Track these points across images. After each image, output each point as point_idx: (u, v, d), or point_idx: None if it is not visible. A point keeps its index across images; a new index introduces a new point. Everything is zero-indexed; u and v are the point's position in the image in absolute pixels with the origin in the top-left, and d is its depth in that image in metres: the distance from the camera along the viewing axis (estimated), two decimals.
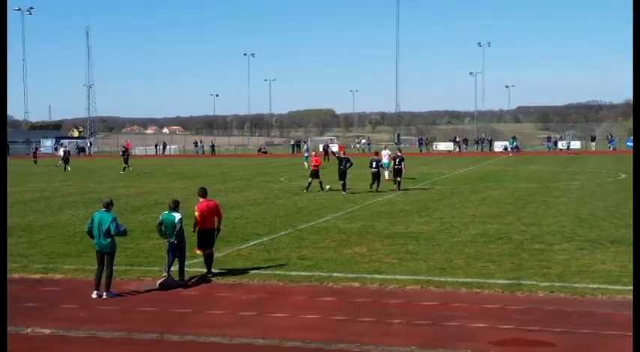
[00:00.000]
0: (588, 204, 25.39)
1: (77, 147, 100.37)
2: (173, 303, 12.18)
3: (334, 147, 70.47)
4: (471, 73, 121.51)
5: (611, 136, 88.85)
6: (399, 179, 32.08)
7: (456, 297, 12.22)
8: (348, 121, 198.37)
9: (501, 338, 9.93)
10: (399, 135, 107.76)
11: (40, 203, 28.99)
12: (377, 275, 13.88)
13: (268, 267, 14.86)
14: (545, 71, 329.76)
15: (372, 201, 27.70)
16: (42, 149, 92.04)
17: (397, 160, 32.43)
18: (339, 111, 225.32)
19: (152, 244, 17.52)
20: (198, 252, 14.34)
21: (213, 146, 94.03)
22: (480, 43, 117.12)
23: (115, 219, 12.78)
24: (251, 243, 17.96)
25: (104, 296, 12.58)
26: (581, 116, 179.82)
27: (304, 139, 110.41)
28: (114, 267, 12.97)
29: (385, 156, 36.26)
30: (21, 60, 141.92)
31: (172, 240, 13.47)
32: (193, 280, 13.81)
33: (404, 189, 31.68)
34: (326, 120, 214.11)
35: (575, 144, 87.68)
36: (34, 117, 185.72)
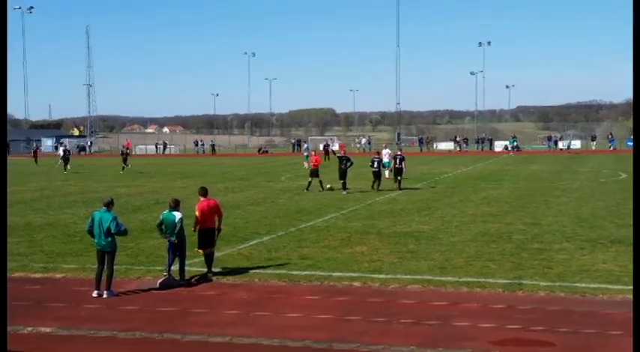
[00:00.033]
0: (589, 204, 25.38)
1: (77, 146, 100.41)
2: (173, 302, 12.18)
3: (335, 147, 70.48)
4: (471, 73, 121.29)
5: (612, 136, 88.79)
6: (399, 178, 32.10)
7: (457, 297, 12.22)
8: (348, 121, 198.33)
9: (502, 337, 9.93)
10: (399, 135, 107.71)
11: (41, 202, 28.99)
12: (378, 275, 13.88)
13: (269, 267, 14.86)
14: (545, 71, 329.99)
15: (373, 200, 27.70)
16: (42, 148, 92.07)
17: (398, 159, 32.44)
18: (339, 110, 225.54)
19: (152, 243, 17.52)
20: (199, 251, 14.33)
21: (213, 145, 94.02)
22: (480, 43, 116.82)
23: (115, 219, 12.79)
24: (252, 243, 17.96)
25: (104, 296, 12.58)
26: (582, 115, 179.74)
27: (305, 139, 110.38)
28: (114, 267, 12.98)
29: (386, 155, 36.27)
30: (21, 59, 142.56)
31: (173, 240, 13.48)
32: (194, 279, 13.82)
33: (404, 189, 31.68)
34: (326, 120, 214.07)
35: (576, 144, 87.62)
36: (35, 116, 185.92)
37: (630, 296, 11.49)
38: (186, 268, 13.82)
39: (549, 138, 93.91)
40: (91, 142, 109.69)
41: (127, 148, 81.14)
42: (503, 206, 25.15)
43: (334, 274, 14.03)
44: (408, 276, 13.72)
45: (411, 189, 32.30)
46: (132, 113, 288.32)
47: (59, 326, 10.82)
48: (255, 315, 11.28)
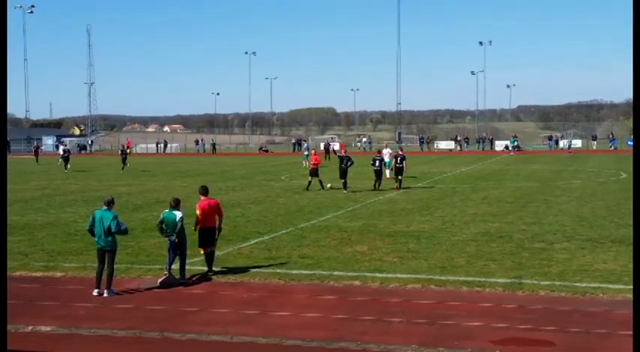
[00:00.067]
0: (589, 203, 25.38)
1: (78, 145, 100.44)
2: (174, 301, 12.18)
3: (335, 146, 70.48)
4: (472, 72, 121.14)
5: (613, 135, 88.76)
6: (400, 178, 32.09)
7: (457, 296, 12.23)
8: (349, 120, 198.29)
9: (502, 337, 9.93)
10: (399, 134, 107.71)
11: (41, 201, 29.01)
12: (378, 274, 13.89)
13: (269, 266, 14.87)
14: (546, 70, 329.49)
15: (373, 199, 27.70)
16: (43, 147, 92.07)
17: (399, 159, 32.44)
18: (340, 109, 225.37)
19: (153, 242, 17.53)
20: (201, 251, 14.32)
21: (214, 144, 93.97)
22: (481, 42, 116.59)
23: (116, 217, 12.79)
24: (252, 242, 17.97)
25: (105, 295, 12.59)
26: (582, 115, 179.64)
27: (305, 138, 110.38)
28: (115, 265, 12.99)
29: (386, 154, 36.24)
30: (22, 58, 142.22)
31: (173, 239, 13.48)
32: (194, 278, 13.83)
33: (405, 188, 31.68)
34: (327, 119, 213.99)
35: (577, 143, 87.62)
36: (35, 115, 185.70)
37: (631, 296, 11.49)
38: (187, 267, 13.83)
39: (550, 138, 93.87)
40: (91, 141, 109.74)
41: (128, 147, 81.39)
42: (504, 205, 25.15)
43: (334, 273, 14.03)
44: (409, 276, 13.72)
45: (412, 188, 32.30)
46: (133, 112, 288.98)
47: (59, 324, 10.83)
48: (255, 314, 11.29)
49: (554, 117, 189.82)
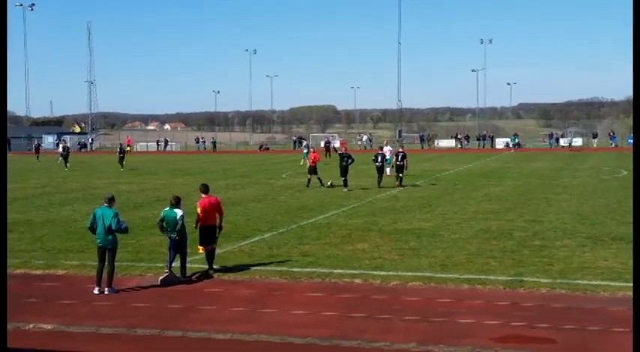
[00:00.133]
0: (590, 201, 25.38)
1: (79, 143, 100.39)
2: (175, 299, 12.19)
3: (336, 144, 70.45)
4: (472, 70, 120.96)
5: (613, 133, 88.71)
6: (401, 175, 32.10)
7: (458, 294, 12.23)
8: (349, 118, 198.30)
9: (502, 334, 9.94)
10: (400, 132, 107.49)
11: (42, 199, 29.01)
12: (379, 272, 13.89)
13: (270, 264, 14.87)
14: (546, 68, 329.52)
15: (374, 197, 27.70)
16: (44, 145, 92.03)
17: (400, 156, 32.44)
18: (340, 107, 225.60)
19: (154, 240, 17.53)
20: (200, 250, 14.29)
21: (214, 142, 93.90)
22: (481, 40, 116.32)
23: (116, 215, 12.80)
24: (253, 240, 17.97)
25: (106, 292, 12.60)
26: (583, 113, 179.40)
27: (306, 136, 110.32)
28: (115, 263, 12.99)
29: (387, 152, 36.25)
30: (23, 56, 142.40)
31: (174, 237, 13.49)
32: (195, 276, 13.83)
33: (406, 186, 31.68)
34: (327, 117, 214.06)
35: (577, 141, 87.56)
36: (36, 113, 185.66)
37: (631, 293, 11.50)
38: (188, 265, 13.84)
39: (550, 136, 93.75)
40: (92, 139, 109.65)
41: (128, 145, 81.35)
42: (505, 203, 25.15)
43: (335, 271, 14.04)
44: (409, 273, 13.73)
45: (412, 186, 32.30)
46: (133, 110, 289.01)
47: (60, 322, 10.84)
48: (256, 312, 11.29)
49: (554, 115, 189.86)
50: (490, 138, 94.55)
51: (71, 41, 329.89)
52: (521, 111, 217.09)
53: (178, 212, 13.52)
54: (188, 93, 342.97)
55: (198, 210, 14.28)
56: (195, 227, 14.38)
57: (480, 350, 9.28)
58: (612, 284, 12.62)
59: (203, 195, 14.53)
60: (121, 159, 49.88)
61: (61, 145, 60.71)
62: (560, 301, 11.63)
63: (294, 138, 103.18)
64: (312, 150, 36.95)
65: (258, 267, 14.50)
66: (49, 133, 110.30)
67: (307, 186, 31.73)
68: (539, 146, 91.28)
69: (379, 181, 31.85)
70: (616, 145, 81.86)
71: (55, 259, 15.72)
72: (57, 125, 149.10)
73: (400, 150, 33.44)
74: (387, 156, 35.46)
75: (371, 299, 12.02)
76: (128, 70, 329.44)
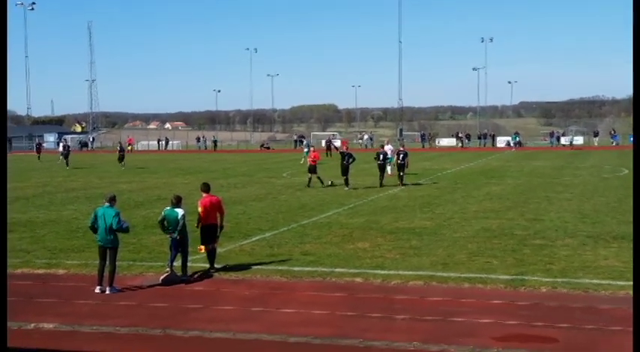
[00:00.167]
0: (591, 200, 25.37)
1: (80, 143, 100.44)
2: (176, 299, 12.19)
3: (337, 143, 70.44)
4: (473, 69, 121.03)
5: (614, 132, 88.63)
6: (402, 174, 32.11)
7: (459, 293, 12.23)
8: (350, 117, 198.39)
9: (504, 333, 9.94)
10: (401, 131, 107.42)
11: (43, 198, 29.02)
12: (380, 271, 13.89)
13: (271, 263, 14.87)
14: (547, 66, 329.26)
15: (375, 196, 27.70)
16: (45, 144, 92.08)
17: (401, 156, 32.44)
18: (341, 106, 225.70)
19: (155, 240, 17.53)
20: (202, 250, 14.28)
21: (215, 141, 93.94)
22: (482, 39, 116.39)
23: (118, 214, 12.80)
24: (254, 239, 17.97)
25: (107, 292, 12.60)
26: (584, 111, 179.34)
27: (307, 135, 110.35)
28: (117, 263, 12.99)
29: (388, 151, 36.24)
30: (23, 55, 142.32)
31: (175, 236, 13.49)
32: (196, 275, 13.83)
33: (407, 184, 31.68)
34: (328, 116, 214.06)
35: (578, 140, 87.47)
36: (37, 113, 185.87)
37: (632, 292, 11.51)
38: (189, 264, 13.84)
39: (551, 134, 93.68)
40: (93, 138, 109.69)
41: (129, 144, 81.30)
42: (506, 202, 25.14)
43: (336, 270, 14.04)
44: (410, 272, 13.72)
45: (413, 185, 32.30)
46: (134, 109, 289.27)
47: (62, 322, 10.84)
48: (257, 311, 11.30)
49: (555, 114, 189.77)
50: (491, 136, 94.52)
51: (72, 40, 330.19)
52: (522, 109, 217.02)
53: (179, 211, 13.52)
54: (189, 92, 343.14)
55: (200, 209, 14.28)
56: (197, 226, 14.38)
57: (482, 350, 9.28)
58: (613, 283, 12.62)
59: (204, 194, 14.53)
60: (121, 158, 49.89)
61: (61, 144, 60.66)
62: (561, 300, 11.63)
63: (295, 137, 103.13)
64: (312, 149, 36.95)
65: (259, 266, 14.51)
66: (49, 132, 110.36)
67: (308, 185, 31.73)
68: (540, 145, 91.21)
69: (381, 180, 31.88)
70: (617, 144, 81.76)
71: (57, 258, 15.73)
72: (58, 124, 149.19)
73: (401, 149, 33.45)
74: (389, 155, 35.47)
75: (372, 298, 12.02)
76: (129, 69, 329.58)
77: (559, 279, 12.94)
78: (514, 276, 13.22)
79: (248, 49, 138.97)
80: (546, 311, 10.96)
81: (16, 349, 9.13)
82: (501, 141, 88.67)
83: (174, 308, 11.61)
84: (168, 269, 13.50)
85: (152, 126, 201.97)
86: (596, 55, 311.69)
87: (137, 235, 18.04)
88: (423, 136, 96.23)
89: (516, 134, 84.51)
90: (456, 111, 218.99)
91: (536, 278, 13.08)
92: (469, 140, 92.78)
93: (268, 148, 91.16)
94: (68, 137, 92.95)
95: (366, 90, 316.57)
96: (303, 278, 13.54)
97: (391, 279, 13.24)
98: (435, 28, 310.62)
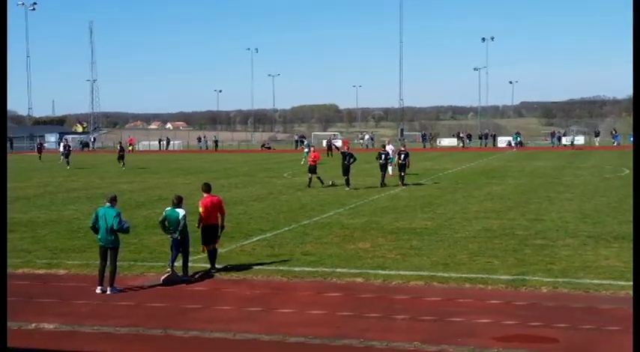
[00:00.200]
0: (592, 200, 25.36)
1: (81, 143, 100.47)
2: (177, 299, 12.20)
3: (338, 143, 70.45)
4: (474, 69, 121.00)
5: (615, 132, 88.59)
6: (403, 174, 32.11)
7: (460, 293, 12.23)
8: (351, 117, 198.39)
9: (505, 333, 9.93)
10: (402, 131, 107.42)
11: (44, 198, 29.04)
12: (380, 271, 13.88)
13: (272, 263, 14.88)
14: (548, 66, 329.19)
15: (376, 196, 27.70)
16: (46, 144, 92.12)
17: (402, 156, 32.45)
18: (342, 106, 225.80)
19: (156, 240, 17.54)
20: (203, 250, 14.27)
21: (216, 141, 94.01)
22: (483, 39, 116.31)
23: (119, 215, 12.81)
24: (254, 239, 17.97)
25: (108, 292, 12.61)
26: (585, 111, 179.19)
27: (308, 135, 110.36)
28: (117, 263, 13.00)
29: (389, 151, 36.26)
30: (25, 55, 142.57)
31: (176, 236, 13.49)
32: (197, 276, 13.83)
33: (407, 184, 31.68)
34: (329, 116, 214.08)
35: (579, 140, 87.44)
36: (38, 113, 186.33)
37: None
38: (190, 264, 13.84)
39: (552, 134, 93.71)
40: (94, 138, 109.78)
41: (130, 144, 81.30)
42: (507, 202, 25.14)
43: (337, 270, 14.03)
44: (411, 272, 13.72)
45: (414, 185, 32.29)
46: (135, 109, 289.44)
47: (62, 322, 10.84)
48: (258, 311, 11.30)
49: (556, 114, 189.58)
50: (492, 136, 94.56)
51: (73, 40, 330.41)
52: (524, 109, 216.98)
53: (181, 212, 13.52)
54: (190, 92, 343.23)
55: (201, 209, 14.28)
56: (198, 226, 14.38)
57: (482, 350, 9.28)
58: (614, 283, 12.61)
59: (205, 195, 14.53)
60: (121, 158, 49.89)
61: (62, 144, 60.70)
62: (562, 300, 11.62)
63: (296, 137, 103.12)
64: (312, 149, 36.95)
65: (260, 267, 14.51)
66: (51, 133, 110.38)
67: (309, 185, 31.74)
68: (542, 145, 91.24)
69: (382, 179, 31.90)
70: (618, 144, 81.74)
71: (57, 258, 15.74)
72: (59, 124, 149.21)
73: (402, 149, 33.46)
74: (390, 155, 35.50)
75: (372, 298, 12.01)
76: (130, 69, 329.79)
77: (560, 279, 12.93)
78: (515, 276, 13.22)
79: (249, 49, 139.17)
80: (547, 312, 10.96)
81: (16, 349, 9.13)
82: (502, 141, 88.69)
83: (174, 308, 11.62)
84: (169, 269, 13.50)
85: (153, 126, 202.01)
86: (597, 54, 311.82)
87: (138, 235, 18.05)
88: (424, 136, 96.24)
89: (517, 134, 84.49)
90: (457, 111, 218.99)
91: (537, 278, 13.07)
92: (470, 140, 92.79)
93: (269, 148, 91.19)
94: (69, 137, 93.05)
95: (367, 90, 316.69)
96: (304, 278, 13.54)
97: (392, 279, 13.24)
98: (435, 27, 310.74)
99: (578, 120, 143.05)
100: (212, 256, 14.29)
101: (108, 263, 12.79)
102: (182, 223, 13.46)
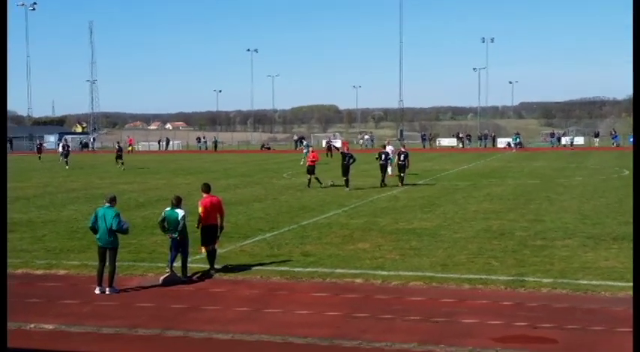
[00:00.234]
0: (591, 201, 25.36)
1: (80, 143, 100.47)
2: (176, 299, 12.20)
3: (337, 143, 70.46)
4: (474, 69, 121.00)
5: (615, 132, 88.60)
6: (402, 174, 32.13)
7: (459, 294, 12.23)
8: (351, 117, 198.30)
9: (504, 334, 9.93)
10: (401, 131, 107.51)
11: (44, 198, 29.04)
12: (380, 272, 13.89)
13: (271, 263, 14.88)
14: (548, 67, 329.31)
15: (376, 197, 27.71)
16: (46, 145, 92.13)
17: (401, 156, 32.47)
18: (342, 107, 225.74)
19: (155, 240, 17.54)
20: (202, 251, 14.27)
21: (216, 142, 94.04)
22: (483, 39, 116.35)
23: (118, 215, 12.81)
24: (254, 239, 17.97)
25: (107, 292, 12.61)
26: (585, 112, 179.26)
27: (307, 135, 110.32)
28: (117, 263, 13.00)
29: (389, 151, 36.27)
30: (25, 55, 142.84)
31: (175, 236, 13.49)
32: (196, 276, 13.84)
33: (407, 185, 31.69)
34: (329, 116, 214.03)
35: (579, 140, 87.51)
36: (38, 113, 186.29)
37: (632, 293, 11.50)
38: (189, 265, 13.84)
39: (552, 135, 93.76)
40: (93, 139, 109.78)
41: (130, 144, 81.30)
42: (506, 203, 25.14)
43: (337, 271, 14.04)
44: (411, 273, 13.72)
45: (414, 185, 32.30)
46: (135, 109, 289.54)
47: (62, 322, 10.84)
48: (257, 312, 11.30)
49: (556, 114, 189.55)
50: (492, 137, 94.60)
51: (73, 41, 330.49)
52: (523, 110, 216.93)
53: (180, 212, 13.52)
54: (190, 92, 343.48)
55: (200, 209, 14.28)
56: (198, 227, 14.38)
57: (481, 350, 9.28)
58: (613, 284, 12.61)
59: (204, 195, 14.53)
60: (119, 157, 49.91)
61: (60, 144, 60.70)
62: (561, 301, 11.63)
63: (296, 137, 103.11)
64: (310, 149, 36.94)
65: (260, 267, 14.51)
66: (50, 133, 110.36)
67: (308, 185, 31.75)
68: (541, 145, 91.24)
69: (382, 179, 31.92)
70: (618, 144, 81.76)
71: (57, 259, 15.73)
72: (59, 125, 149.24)
73: (402, 149, 33.49)
74: (390, 156, 35.51)
75: (372, 299, 12.02)
76: (130, 70, 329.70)
77: (559, 280, 12.93)
78: (514, 277, 13.22)
79: (249, 49, 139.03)
80: (546, 312, 10.96)
81: (15, 349, 9.13)
82: (502, 142, 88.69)
83: (174, 308, 11.62)
84: (168, 269, 13.50)
85: (153, 126, 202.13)
86: (597, 55, 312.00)
87: (137, 236, 18.05)
88: (423, 137, 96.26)
89: (517, 135, 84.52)
90: (457, 112, 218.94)
91: (536, 279, 13.07)
92: (470, 141, 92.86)
93: (269, 149, 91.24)
94: (69, 137, 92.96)
95: (366, 91, 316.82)
96: (304, 278, 13.54)
97: (391, 280, 13.24)
98: (435, 28, 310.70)
99: (577, 121, 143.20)
100: (211, 256, 14.29)
101: (107, 263, 12.79)
102: (182, 224, 13.45)
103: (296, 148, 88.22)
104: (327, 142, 68.31)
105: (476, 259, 14.96)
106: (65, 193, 31.33)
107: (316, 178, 31.93)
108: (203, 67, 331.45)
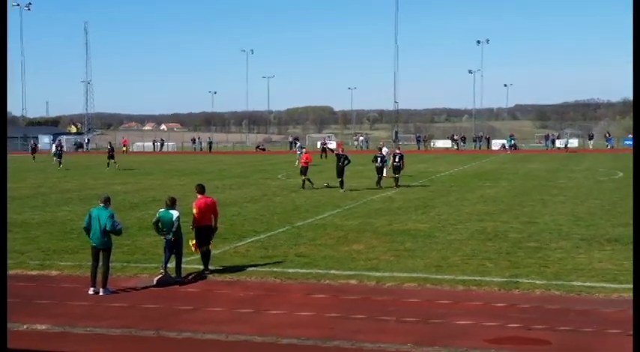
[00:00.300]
0: (585, 203, 25.42)
1: (75, 144, 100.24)
2: (170, 300, 12.18)
3: (332, 144, 70.47)
4: (469, 71, 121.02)
5: (609, 135, 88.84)
6: (397, 176, 32.16)
7: (453, 295, 12.24)
8: (346, 118, 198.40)
9: (497, 335, 9.94)
10: (396, 133, 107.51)
11: (37, 199, 28.97)
12: (374, 273, 13.89)
13: (265, 264, 14.87)
14: (543, 69, 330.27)
15: (370, 198, 27.71)
16: (40, 145, 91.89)
17: (396, 157, 32.50)
18: (337, 108, 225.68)
19: (149, 241, 17.51)
20: (193, 249, 14.25)
21: (210, 143, 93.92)
22: (478, 41, 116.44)
23: (112, 216, 12.78)
24: (248, 240, 17.96)
25: (101, 293, 12.58)
26: (579, 114, 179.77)
27: (302, 136, 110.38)
28: (110, 264, 12.97)
29: (384, 153, 36.27)
30: (19, 56, 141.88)
31: (169, 237, 13.47)
32: (190, 277, 13.81)
33: (401, 186, 31.71)
34: (324, 118, 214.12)
35: (573, 143, 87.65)
36: (32, 114, 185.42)
37: (626, 295, 11.53)
38: (183, 266, 13.82)
39: (547, 137, 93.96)
40: (88, 139, 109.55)
41: (125, 145, 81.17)
42: (500, 204, 25.18)
43: (331, 272, 14.03)
44: (405, 274, 13.73)
45: (408, 187, 32.32)
46: (129, 110, 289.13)
47: (55, 323, 10.82)
48: (250, 313, 11.29)
49: (551, 116, 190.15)
50: (486, 139, 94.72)
51: (68, 41, 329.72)
52: (518, 112, 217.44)
53: (174, 213, 13.50)
54: (185, 93, 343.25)
55: (194, 210, 14.27)
56: (192, 228, 14.37)
57: (475, 351, 9.29)
58: (607, 285, 12.64)
59: (199, 196, 14.52)
60: (111, 157, 49.92)
61: (54, 144, 60.58)
62: (554, 302, 11.65)
63: (290, 138, 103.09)
64: (304, 150, 36.94)
65: (254, 268, 14.50)
66: (45, 134, 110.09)
67: (302, 187, 31.75)
68: (535, 147, 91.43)
69: (378, 181, 31.94)
70: (612, 147, 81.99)
71: (50, 259, 15.71)
72: (53, 125, 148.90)
73: (397, 151, 33.53)
74: (386, 158, 35.53)
75: (366, 300, 12.02)
76: (125, 70, 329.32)
77: (553, 282, 12.96)
78: (508, 279, 13.23)
79: (244, 50, 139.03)
80: (540, 314, 10.97)
81: (9, 350, 9.11)
82: (496, 144, 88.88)
83: (167, 309, 11.60)
84: (162, 270, 13.48)
85: (147, 127, 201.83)
86: (592, 57, 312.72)
87: (131, 236, 18.02)
88: (418, 138, 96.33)
89: (511, 137, 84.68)
90: (452, 114, 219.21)
91: (530, 280, 13.09)
92: (464, 142, 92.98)
93: (264, 150, 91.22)
94: (63, 138, 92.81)
95: (361, 92, 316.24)
96: (298, 279, 13.54)
97: (385, 281, 13.24)
98: (430, 29, 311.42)
99: (572, 123, 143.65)
100: (205, 257, 14.28)
101: (100, 264, 12.76)
102: (176, 225, 13.44)
103: (291, 149, 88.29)
104: (321, 144, 68.29)
105: (470, 261, 14.98)
106: (59, 194, 31.27)
107: (308, 179, 31.99)
108: (198, 67, 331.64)
